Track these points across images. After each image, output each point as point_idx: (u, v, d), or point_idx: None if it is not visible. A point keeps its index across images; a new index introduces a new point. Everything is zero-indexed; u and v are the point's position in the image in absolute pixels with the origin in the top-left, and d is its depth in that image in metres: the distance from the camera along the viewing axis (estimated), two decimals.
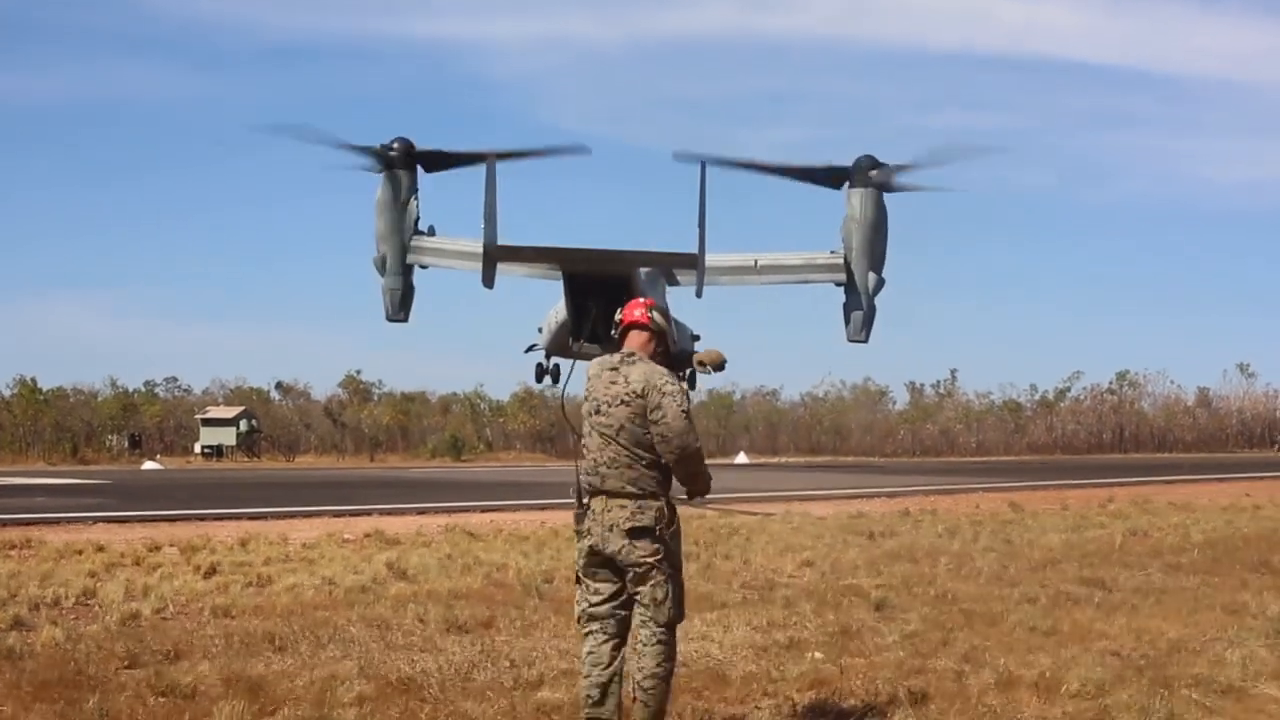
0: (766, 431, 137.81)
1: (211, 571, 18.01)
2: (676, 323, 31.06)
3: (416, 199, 28.40)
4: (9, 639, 12.39)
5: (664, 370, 8.61)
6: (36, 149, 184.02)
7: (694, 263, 21.81)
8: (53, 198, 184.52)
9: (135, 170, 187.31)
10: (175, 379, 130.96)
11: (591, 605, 8.65)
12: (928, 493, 42.16)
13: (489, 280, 22.21)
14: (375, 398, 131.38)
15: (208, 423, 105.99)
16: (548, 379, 30.27)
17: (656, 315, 8.79)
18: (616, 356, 8.72)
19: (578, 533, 8.74)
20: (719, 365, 8.88)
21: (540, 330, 29.65)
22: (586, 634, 8.69)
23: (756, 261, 28.91)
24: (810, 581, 17.99)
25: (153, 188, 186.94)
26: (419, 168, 28.93)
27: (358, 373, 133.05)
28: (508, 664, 11.68)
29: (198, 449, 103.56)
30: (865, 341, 28.18)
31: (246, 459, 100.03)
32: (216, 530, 24.76)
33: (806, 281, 28.75)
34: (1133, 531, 25.97)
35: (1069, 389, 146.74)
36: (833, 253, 28.95)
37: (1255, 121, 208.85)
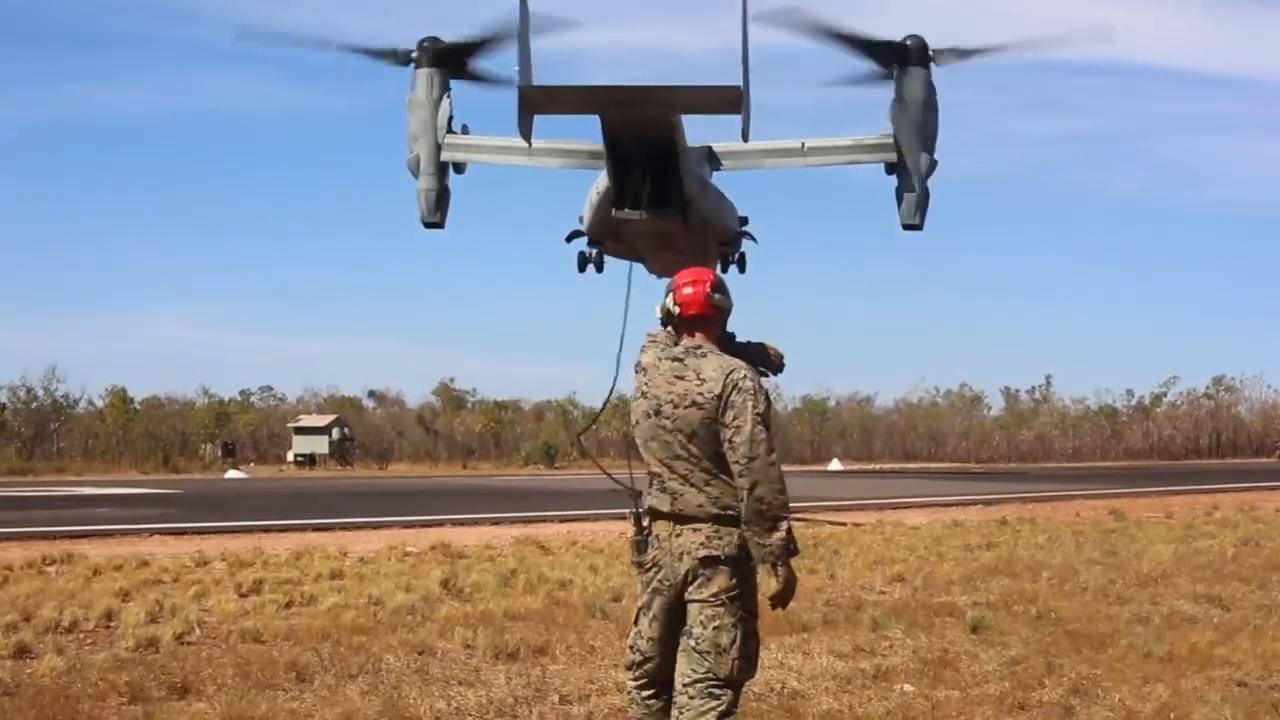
0: (861, 437, 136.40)
1: (253, 589, 16.82)
2: (722, 197, 29.73)
3: (449, 98, 27.06)
4: (2, 670, 11.22)
5: (741, 364, 7.04)
6: (130, 161, 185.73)
7: (738, 102, 20.31)
8: (148, 210, 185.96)
9: (229, 181, 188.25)
10: (270, 388, 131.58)
11: (646, 654, 7.14)
12: (1025, 500, 40.69)
13: (526, 131, 20.73)
14: (468, 405, 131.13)
15: (300, 431, 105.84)
16: (590, 268, 28.92)
17: (718, 297, 7.16)
18: (680, 346, 7.15)
19: (638, 565, 7.17)
20: (779, 365, 7.51)
21: (581, 219, 28.35)
22: (636, 686, 7.19)
23: (804, 144, 27.58)
24: (901, 598, 16.64)
25: (246, 199, 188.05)
26: (449, 75, 27.45)
27: (451, 380, 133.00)
28: (556, 699, 10.41)
29: (290, 457, 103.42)
30: (920, 227, 26.69)
31: (339, 468, 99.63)
32: (275, 543, 23.51)
33: (855, 162, 27.37)
34: (1244, 541, 24.43)
35: (1165, 394, 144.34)
36: (882, 134, 27.53)
37: None
